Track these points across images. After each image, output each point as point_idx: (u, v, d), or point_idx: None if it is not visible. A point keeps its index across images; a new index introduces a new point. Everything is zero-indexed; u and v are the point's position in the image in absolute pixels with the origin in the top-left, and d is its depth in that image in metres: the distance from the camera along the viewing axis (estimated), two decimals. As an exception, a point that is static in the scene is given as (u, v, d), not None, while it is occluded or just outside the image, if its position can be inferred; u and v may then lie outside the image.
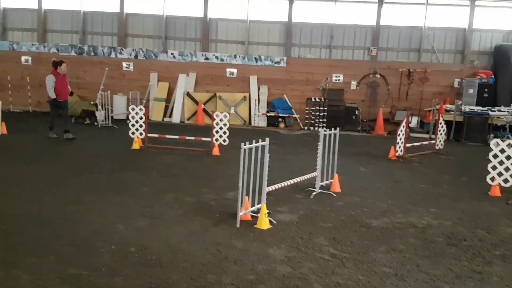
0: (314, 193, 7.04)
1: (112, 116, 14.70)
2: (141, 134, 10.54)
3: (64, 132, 11.11)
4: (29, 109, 17.30)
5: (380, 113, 15.87)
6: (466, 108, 14.53)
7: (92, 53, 17.64)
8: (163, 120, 16.57)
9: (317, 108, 16.01)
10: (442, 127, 11.91)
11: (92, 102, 15.97)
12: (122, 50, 17.61)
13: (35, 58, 17.73)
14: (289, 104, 16.73)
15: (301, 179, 6.87)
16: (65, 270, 4.09)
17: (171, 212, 5.94)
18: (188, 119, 16.52)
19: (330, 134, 7.24)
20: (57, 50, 17.73)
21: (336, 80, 16.83)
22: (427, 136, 14.45)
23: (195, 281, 3.99)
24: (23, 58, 17.73)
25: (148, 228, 5.32)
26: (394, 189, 7.78)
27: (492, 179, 7.68)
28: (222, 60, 17.26)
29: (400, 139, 10.50)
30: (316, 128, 15.61)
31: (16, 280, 3.86)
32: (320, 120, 15.92)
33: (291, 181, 6.65)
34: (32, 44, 17.94)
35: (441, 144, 11.92)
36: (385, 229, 5.65)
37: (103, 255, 4.46)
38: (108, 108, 14.55)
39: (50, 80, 11.00)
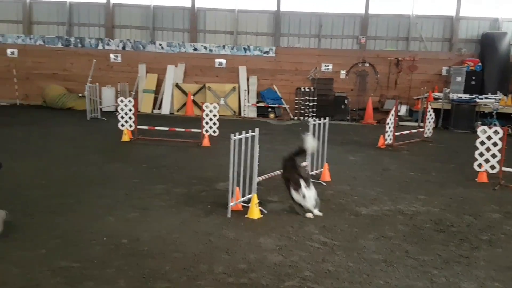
0: (304, 182, 7.06)
1: (101, 109, 14.57)
2: (130, 126, 10.48)
3: None
4: (16, 102, 17.08)
5: (369, 102, 15.95)
6: (454, 96, 14.66)
7: (79, 45, 17.43)
8: (152, 111, 16.48)
9: (307, 98, 16.03)
10: (430, 115, 12.02)
11: (80, 95, 15.83)
12: (110, 41, 17.42)
13: (21, 51, 17.48)
14: (279, 94, 16.73)
15: (291, 169, 6.89)
16: (56, 262, 4.09)
17: (162, 203, 5.94)
18: (178, 110, 16.44)
19: (319, 124, 7.27)
20: (44, 42, 17.48)
21: (325, 69, 16.85)
22: (415, 124, 14.57)
23: (187, 270, 4.02)
24: (8, 51, 17.46)
25: (139, 219, 5.33)
26: (383, 177, 7.85)
27: (479, 165, 7.79)
28: (210, 50, 17.16)
29: (389, 127, 10.57)
30: (306, 118, 15.64)
31: (6, 274, 3.85)
32: (310, 109, 15.95)
33: (282, 171, 6.67)
34: (18, 36, 17.66)
35: (430, 132, 12.04)
36: (374, 216, 5.72)
37: (94, 247, 4.46)
38: (96, 101, 14.41)
39: None
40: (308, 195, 5.42)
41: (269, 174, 6.32)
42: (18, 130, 11.42)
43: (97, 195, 6.22)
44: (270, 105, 16.34)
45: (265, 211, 5.67)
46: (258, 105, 16.41)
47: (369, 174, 8.06)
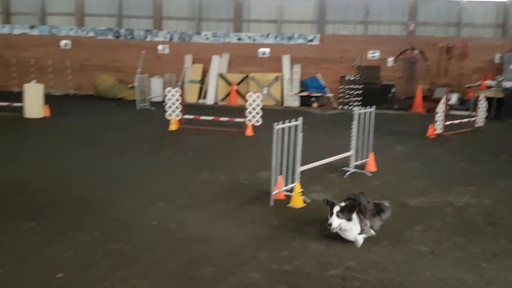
0: (348, 173, 7.01)
1: (149, 99, 14.95)
2: (177, 115, 10.73)
3: None
4: (70, 92, 17.88)
5: (419, 90, 15.42)
6: (507, 84, 13.91)
7: (129, 37, 17.94)
8: (197, 101, 16.76)
9: (352, 86, 15.73)
10: (482, 104, 11.51)
11: (130, 85, 16.32)
12: (158, 33, 17.81)
13: (74, 42, 18.20)
14: (323, 83, 16.54)
15: (335, 159, 6.86)
16: (108, 245, 4.31)
17: (207, 191, 6.09)
18: (222, 100, 16.64)
19: (365, 113, 7.14)
20: (95, 34, 18.12)
21: (371, 57, 16.45)
22: (467, 113, 13.97)
23: (231, 256, 4.12)
24: (62, 42, 18.23)
25: (186, 205, 5.50)
26: (432, 168, 7.64)
27: (536, 157, 7.40)
28: (254, 40, 17.18)
29: (439, 116, 10.22)
30: (351, 107, 15.39)
31: (63, 254, 4.11)
32: (355, 98, 15.65)
33: (325, 161, 6.65)
34: (71, 28, 18.40)
35: (482, 122, 11.53)
36: (422, 208, 5.59)
37: (145, 231, 4.66)
38: (145, 91, 14.81)
39: None
40: (344, 228, 4.36)
41: (312, 164, 6.30)
42: (74, 119, 11.99)
43: (147, 181, 6.46)
44: (313, 94, 16.19)
45: (308, 200, 5.68)
46: (301, 94, 16.31)
47: (417, 164, 7.86)
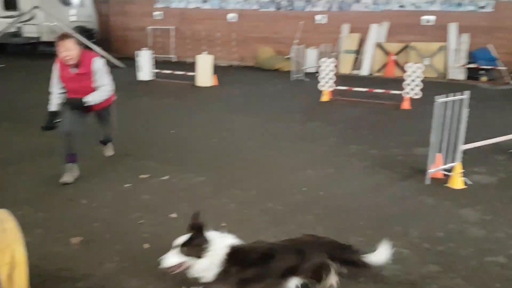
0: (520, 156, 6.25)
1: (304, 69, 15.25)
2: (330, 86, 10.77)
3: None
4: (233, 64, 19.22)
5: None
6: None
7: (289, 8, 18.32)
8: (351, 72, 16.47)
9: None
10: None
11: (286, 56, 16.81)
12: (317, 2, 17.81)
13: (239, 15, 19.30)
14: (495, 54, 14.64)
15: (505, 139, 6.17)
16: (264, 203, 4.71)
17: (357, 163, 6.10)
18: (378, 71, 16.05)
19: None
20: (259, 6, 18.92)
21: None
22: None
23: (381, 229, 4.12)
24: (229, 15, 19.54)
25: (335, 175, 5.62)
26: None
27: None
28: (418, 7, 15.97)
29: None
30: (530, 82, 13.39)
31: (226, 207, 4.64)
32: (537, 72, 13.54)
33: (492, 140, 6.04)
34: (238, 2, 19.53)
35: None
36: None
37: (295, 195, 4.95)
38: (300, 62, 15.10)
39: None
40: (197, 269, 2.85)
41: (477, 143, 5.78)
42: (237, 88, 12.94)
43: (299, 149, 6.75)
44: (482, 67, 14.48)
45: (470, 182, 5.27)
46: (468, 66, 14.73)
47: None
